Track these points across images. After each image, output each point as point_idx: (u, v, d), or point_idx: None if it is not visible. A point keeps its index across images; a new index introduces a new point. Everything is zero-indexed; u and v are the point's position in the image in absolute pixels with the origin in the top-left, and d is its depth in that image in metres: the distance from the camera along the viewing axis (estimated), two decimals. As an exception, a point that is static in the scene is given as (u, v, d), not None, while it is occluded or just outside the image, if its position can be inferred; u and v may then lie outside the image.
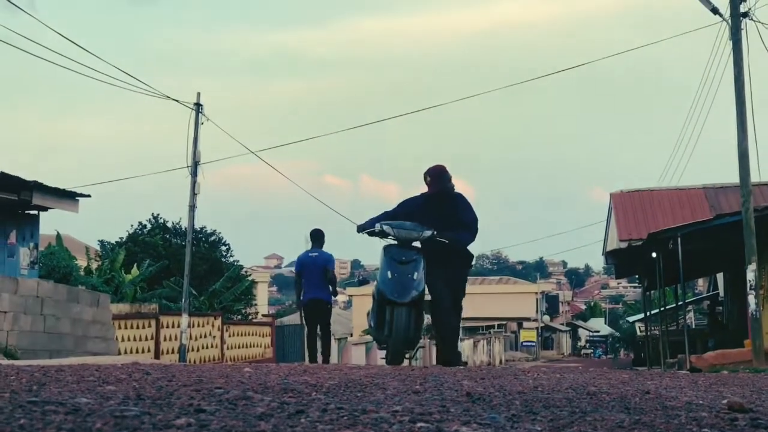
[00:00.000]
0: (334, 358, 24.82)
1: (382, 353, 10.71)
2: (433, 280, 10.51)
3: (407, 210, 10.92)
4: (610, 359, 73.06)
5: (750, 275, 19.37)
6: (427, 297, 10.65)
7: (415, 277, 10.09)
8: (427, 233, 10.31)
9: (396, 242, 10.41)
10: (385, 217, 10.83)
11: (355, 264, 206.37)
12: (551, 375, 6.65)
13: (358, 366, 7.93)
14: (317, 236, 15.44)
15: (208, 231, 42.16)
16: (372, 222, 10.68)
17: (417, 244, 10.54)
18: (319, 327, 15.05)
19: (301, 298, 14.92)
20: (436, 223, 10.57)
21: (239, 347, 30.91)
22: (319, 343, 15.37)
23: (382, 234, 10.45)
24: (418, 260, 10.24)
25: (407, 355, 10.84)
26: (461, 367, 10.04)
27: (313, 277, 14.78)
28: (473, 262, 11.59)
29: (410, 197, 11.23)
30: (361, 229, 10.85)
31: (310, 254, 15.17)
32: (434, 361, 13.02)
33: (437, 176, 11.02)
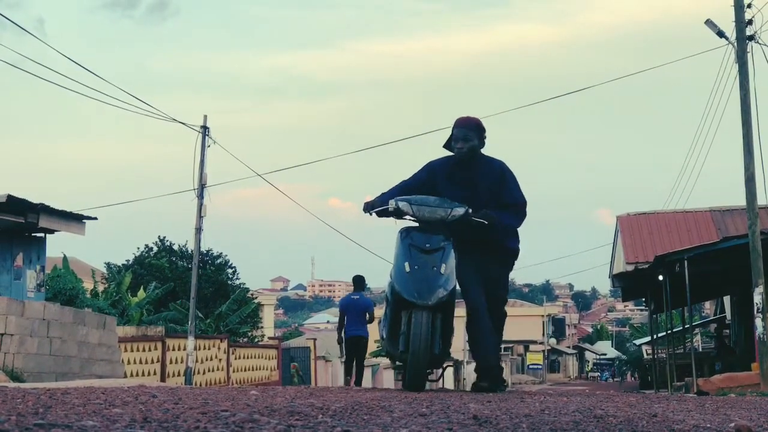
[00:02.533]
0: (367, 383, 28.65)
1: (389, 374, 9.46)
2: (464, 277, 8.18)
3: (429, 179, 8.36)
4: (617, 382, 72.81)
5: (757, 298, 19.33)
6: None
7: (443, 270, 7.57)
8: (459, 211, 7.81)
9: (417, 224, 7.98)
10: (402, 190, 8.30)
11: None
12: (558, 398, 6.64)
13: (365, 389, 7.92)
14: (359, 282, 17.79)
15: (215, 253, 42.23)
16: (384, 197, 8.17)
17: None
18: (355, 359, 17.29)
19: (343, 334, 17.14)
20: (466, 200, 8.07)
21: (245, 370, 30.85)
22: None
23: (398, 213, 8.02)
24: (447, 248, 7.72)
25: (432, 377, 8.68)
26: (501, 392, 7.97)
27: (355, 317, 17.04)
28: (517, 259, 8.81)
29: (434, 160, 8.56)
30: (369, 207, 8.24)
31: (352, 297, 17.61)
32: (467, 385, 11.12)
33: (466, 127, 8.32)
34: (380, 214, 8.23)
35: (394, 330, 7.87)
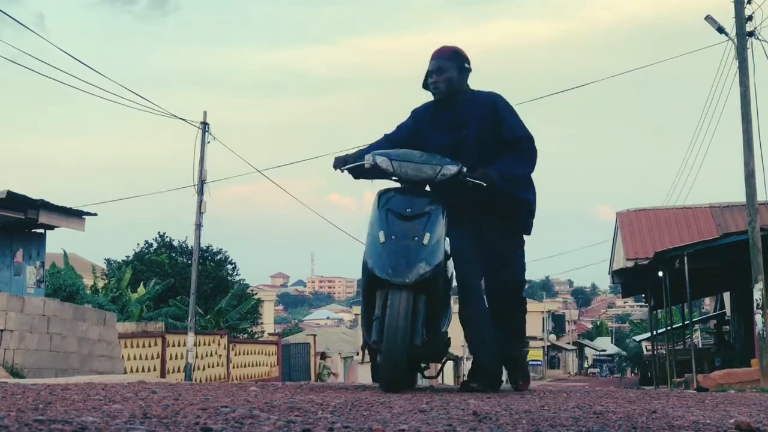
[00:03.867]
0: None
1: (366, 369, 7.26)
2: (457, 251, 6.77)
3: (416, 128, 6.89)
4: (617, 378, 72.87)
5: (757, 294, 19.34)
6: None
7: (426, 241, 6.07)
8: (451, 169, 6.36)
9: (399, 184, 6.52)
10: (386, 143, 6.88)
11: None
12: (557, 394, 6.64)
13: (364, 385, 7.92)
14: None
15: (215, 250, 42.28)
16: (360, 154, 6.64)
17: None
18: None
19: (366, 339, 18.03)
20: (453, 148, 6.66)
21: (245, 366, 30.86)
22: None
23: (376, 172, 6.53)
24: (434, 214, 6.25)
25: (429, 373, 7.89)
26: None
27: None
28: (533, 216, 7.04)
29: (419, 106, 7.06)
30: (340, 164, 6.68)
31: None
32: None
33: (440, 57, 6.82)
34: (356, 174, 6.70)
35: (368, 316, 6.25)
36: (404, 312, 5.91)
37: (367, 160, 6.43)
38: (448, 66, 6.73)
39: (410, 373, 6.88)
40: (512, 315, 6.95)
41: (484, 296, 6.84)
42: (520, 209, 6.88)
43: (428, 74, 6.80)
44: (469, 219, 6.80)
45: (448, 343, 7.23)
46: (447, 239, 6.63)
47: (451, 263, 6.88)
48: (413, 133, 6.86)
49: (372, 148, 6.75)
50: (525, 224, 7.01)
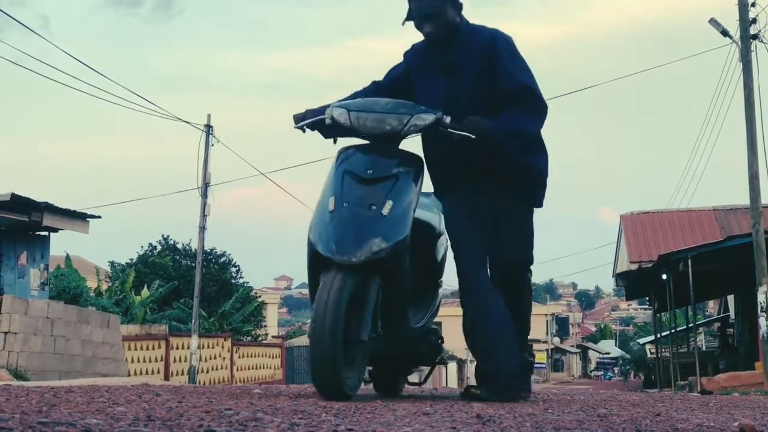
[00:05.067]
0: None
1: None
2: (454, 230, 5.54)
3: (407, 74, 5.69)
4: (621, 381, 72.84)
5: (761, 297, 19.32)
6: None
7: (386, 211, 4.81)
8: (425, 118, 5.09)
9: (366, 141, 5.23)
10: (372, 93, 5.68)
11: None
12: (561, 397, 6.63)
13: (367, 388, 7.91)
14: None
15: (218, 252, 42.26)
16: (325, 107, 5.36)
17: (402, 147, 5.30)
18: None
19: None
20: (447, 97, 5.42)
21: (249, 368, 30.87)
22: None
23: (337, 130, 5.30)
24: (404, 179, 5.01)
25: (413, 379, 6.65)
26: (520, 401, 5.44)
27: None
28: (545, 187, 5.75)
29: (409, 49, 5.82)
30: (299, 120, 5.44)
31: None
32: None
33: None
34: (324, 132, 5.41)
35: (313, 297, 4.84)
36: (335, 297, 4.56)
37: (328, 114, 5.22)
38: (441, 6, 5.43)
39: (392, 377, 6.28)
40: (514, 308, 5.55)
41: (489, 283, 5.45)
42: (526, 177, 5.56)
43: (413, 17, 5.48)
44: (466, 187, 5.52)
45: (435, 344, 6.10)
46: (442, 216, 5.76)
47: (441, 243, 5.99)
48: (404, 79, 5.68)
49: (356, 97, 5.58)
50: (534, 196, 5.67)
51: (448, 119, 5.13)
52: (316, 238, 4.82)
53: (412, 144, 5.39)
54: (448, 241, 5.69)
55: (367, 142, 5.20)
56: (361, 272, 4.70)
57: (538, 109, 5.48)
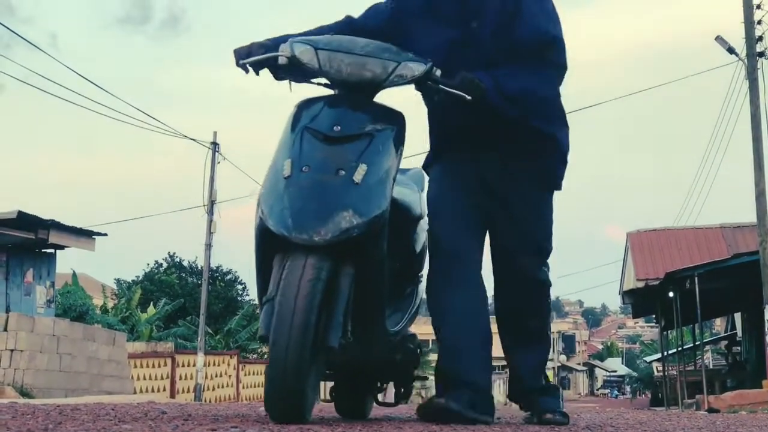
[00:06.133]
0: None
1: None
2: (440, 207, 4.51)
3: (397, 18, 4.48)
4: (628, 399, 72.67)
5: (768, 315, 19.28)
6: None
7: (358, 177, 3.69)
8: (414, 68, 4.03)
9: (334, 90, 4.15)
10: (341, 30, 4.43)
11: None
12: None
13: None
14: None
15: (225, 269, 42.27)
16: (278, 40, 4.23)
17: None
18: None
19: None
20: (461, 53, 4.34)
21: (255, 386, 30.84)
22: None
23: (295, 73, 4.18)
24: (381, 138, 3.89)
25: (383, 398, 5.28)
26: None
27: None
28: (566, 163, 4.66)
29: None
30: (243, 56, 4.18)
31: None
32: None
33: None
34: (275, 73, 4.23)
35: (262, 295, 3.76)
36: (307, 291, 3.48)
37: (284, 50, 4.08)
38: None
39: (358, 396, 5.11)
40: (530, 312, 4.62)
41: (479, 271, 4.52)
42: (540, 148, 4.50)
43: None
44: (467, 156, 4.52)
45: (413, 353, 4.91)
46: (423, 196, 4.78)
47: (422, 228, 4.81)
48: (392, 22, 4.46)
49: (323, 33, 4.34)
50: (552, 172, 4.61)
51: (438, 72, 4.07)
52: (267, 211, 3.67)
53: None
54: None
55: (332, 92, 4.13)
56: (328, 256, 3.59)
57: (552, 66, 4.43)
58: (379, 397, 5.23)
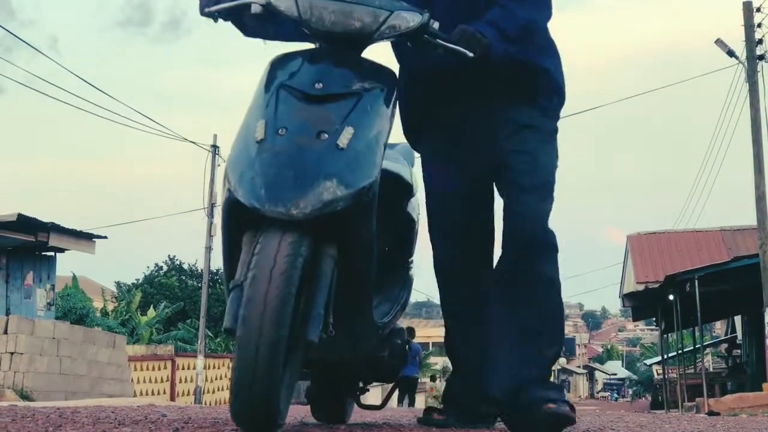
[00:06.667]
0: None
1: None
2: (436, 183, 4.18)
3: None
4: (628, 402, 72.66)
5: (768, 318, 19.28)
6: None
7: (343, 142, 3.10)
8: (408, 18, 3.48)
9: (315, 44, 3.58)
10: None
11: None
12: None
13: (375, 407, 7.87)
14: (410, 332, 19.80)
15: (224, 272, 42.26)
16: None
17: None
18: (407, 393, 20.99)
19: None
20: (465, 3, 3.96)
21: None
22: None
23: (269, 25, 3.71)
24: (371, 98, 3.31)
25: (366, 400, 4.85)
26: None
27: (408, 361, 21.49)
28: (562, 103, 4.24)
29: None
30: (212, 2, 3.58)
31: None
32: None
33: None
34: (243, 28, 3.86)
35: (230, 281, 3.11)
36: (283, 274, 2.87)
37: None
38: None
39: (338, 397, 4.62)
40: (533, 280, 3.91)
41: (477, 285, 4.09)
42: (534, 82, 4.04)
43: None
44: (453, 116, 4.05)
45: (401, 349, 4.37)
46: (412, 170, 4.31)
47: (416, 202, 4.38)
48: None
49: None
50: (548, 107, 4.12)
51: (436, 25, 3.57)
52: (235, 181, 3.10)
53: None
54: (422, 205, 4.25)
55: (313, 46, 3.58)
56: (308, 232, 3.02)
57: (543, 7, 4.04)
58: (362, 398, 4.73)
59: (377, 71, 3.47)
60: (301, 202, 2.97)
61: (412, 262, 4.42)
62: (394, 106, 3.50)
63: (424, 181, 4.17)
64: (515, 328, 3.86)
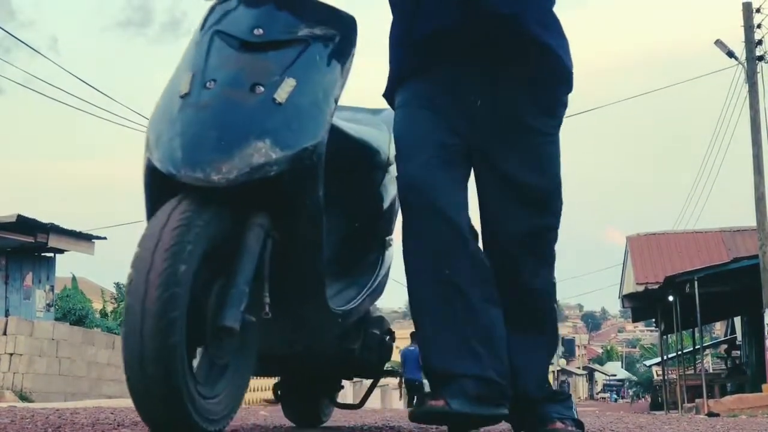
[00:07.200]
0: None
1: None
2: (410, 144, 3.25)
3: None
4: (628, 403, 72.67)
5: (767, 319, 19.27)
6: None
7: (281, 96, 2.64)
8: None
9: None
10: None
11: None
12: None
13: (374, 410, 7.88)
14: (412, 336, 19.78)
15: (224, 273, 42.26)
16: None
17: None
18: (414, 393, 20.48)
19: (404, 376, 19.57)
20: None
21: (254, 390, 30.79)
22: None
23: None
24: (318, 46, 2.83)
25: (336, 402, 4.19)
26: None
27: (412, 364, 19.59)
28: (571, 86, 3.44)
29: None
30: None
31: (410, 348, 20.17)
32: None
33: None
34: None
35: None
36: (169, 249, 2.36)
37: None
38: None
39: (310, 396, 4.11)
40: (531, 287, 3.36)
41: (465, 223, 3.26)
42: (538, 59, 3.32)
43: None
44: (443, 74, 3.30)
45: (380, 341, 3.77)
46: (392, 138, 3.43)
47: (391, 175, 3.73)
48: None
49: None
50: (552, 94, 3.43)
51: None
52: (153, 143, 2.65)
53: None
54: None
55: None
56: (230, 204, 2.59)
57: None
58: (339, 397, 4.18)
59: (332, 16, 2.96)
60: (224, 166, 2.52)
61: (390, 240, 3.88)
62: (351, 58, 3.01)
63: (393, 130, 3.37)
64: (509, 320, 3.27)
